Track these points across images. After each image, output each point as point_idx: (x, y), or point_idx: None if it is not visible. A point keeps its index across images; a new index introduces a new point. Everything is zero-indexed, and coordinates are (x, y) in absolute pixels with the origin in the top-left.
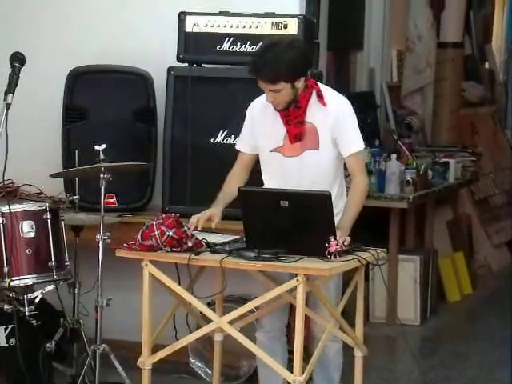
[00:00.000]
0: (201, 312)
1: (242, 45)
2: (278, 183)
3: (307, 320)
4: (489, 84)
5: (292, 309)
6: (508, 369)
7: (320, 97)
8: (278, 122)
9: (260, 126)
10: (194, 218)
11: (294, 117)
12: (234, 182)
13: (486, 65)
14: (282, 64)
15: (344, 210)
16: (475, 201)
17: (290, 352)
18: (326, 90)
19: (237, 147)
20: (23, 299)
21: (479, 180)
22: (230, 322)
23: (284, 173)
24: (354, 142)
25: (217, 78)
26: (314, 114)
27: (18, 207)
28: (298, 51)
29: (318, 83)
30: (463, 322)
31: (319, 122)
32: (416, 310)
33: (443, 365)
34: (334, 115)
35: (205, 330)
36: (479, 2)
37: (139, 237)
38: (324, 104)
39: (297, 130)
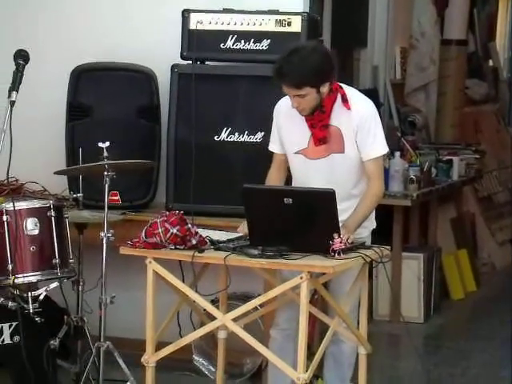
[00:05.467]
0: (204, 309)
1: (245, 42)
2: (302, 185)
3: (312, 318)
4: (492, 82)
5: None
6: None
7: (345, 100)
8: (303, 124)
9: (286, 127)
10: (242, 227)
11: (318, 120)
12: (273, 183)
13: (490, 62)
14: (307, 69)
15: (353, 210)
16: (479, 198)
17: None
18: (352, 93)
19: (269, 148)
20: (27, 296)
21: (483, 177)
22: (234, 320)
23: (307, 175)
24: (374, 146)
25: (220, 75)
26: (339, 117)
27: (22, 205)
28: (323, 56)
29: (344, 86)
30: (467, 320)
31: (344, 125)
32: (420, 307)
33: (447, 363)
34: (357, 118)
35: (209, 327)
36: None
37: (143, 234)
38: (348, 107)
39: (321, 133)
